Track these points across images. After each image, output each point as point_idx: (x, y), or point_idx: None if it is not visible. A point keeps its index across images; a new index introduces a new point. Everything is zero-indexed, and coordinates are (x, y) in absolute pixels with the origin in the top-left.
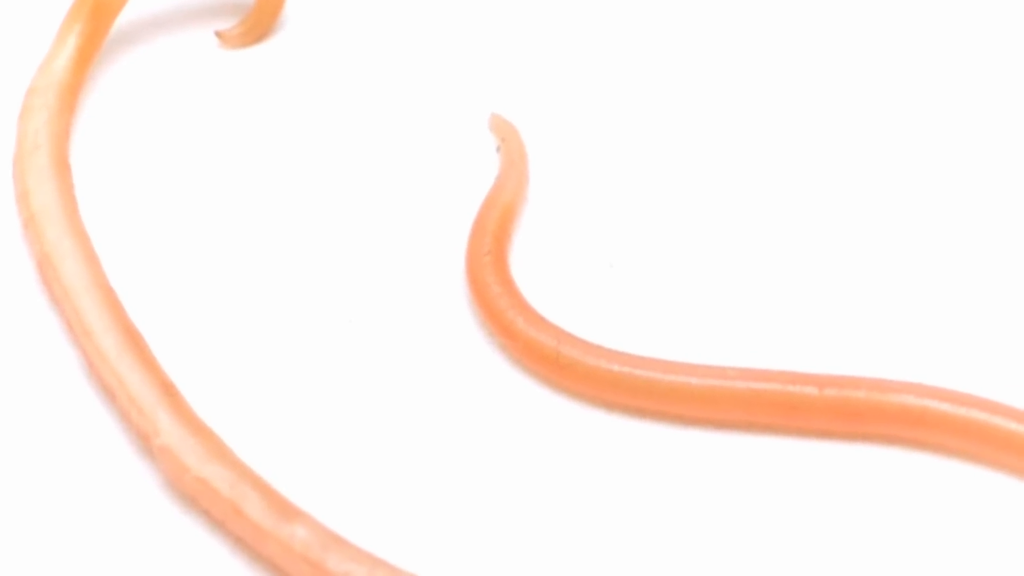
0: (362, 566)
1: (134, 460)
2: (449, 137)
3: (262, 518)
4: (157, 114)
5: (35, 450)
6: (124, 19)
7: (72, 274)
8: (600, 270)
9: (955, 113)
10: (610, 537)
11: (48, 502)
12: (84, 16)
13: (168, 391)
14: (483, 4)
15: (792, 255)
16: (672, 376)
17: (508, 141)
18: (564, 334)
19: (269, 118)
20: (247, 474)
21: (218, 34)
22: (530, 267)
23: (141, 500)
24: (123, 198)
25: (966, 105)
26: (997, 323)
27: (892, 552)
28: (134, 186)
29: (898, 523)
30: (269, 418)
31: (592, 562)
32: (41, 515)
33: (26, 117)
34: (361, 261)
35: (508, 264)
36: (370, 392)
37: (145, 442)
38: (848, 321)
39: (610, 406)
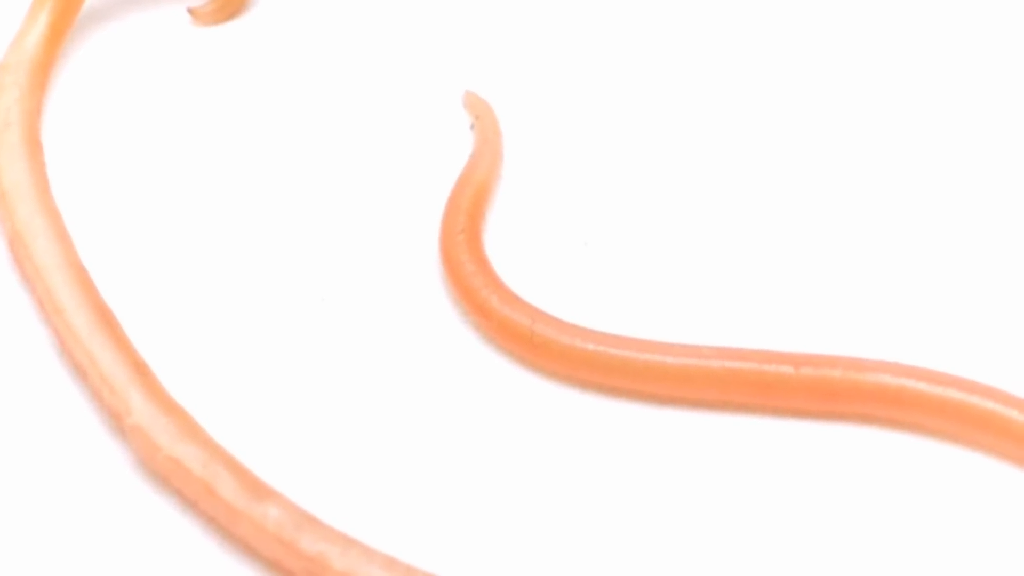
0: (335, 546)
1: (106, 439)
2: (423, 115)
3: (235, 498)
4: (129, 91)
5: (6, 429)
6: None
7: (44, 252)
8: (574, 248)
9: (927, 94)
10: (584, 516)
11: (19, 481)
12: None
13: (140, 370)
14: None
15: (768, 234)
16: (647, 355)
17: (482, 119)
18: (538, 313)
19: (241, 96)
20: (219, 453)
21: (190, 11)
22: (504, 245)
23: (113, 479)
24: (95, 176)
25: (935, 87)
26: (973, 302)
27: (868, 531)
28: (106, 164)
29: (874, 502)
30: (242, 397)
31: (566, 540)
32: (11, 494)
33: None
34: (334, 240)
35: (482, 242)
36: (343, 371)
37: (117, 421)
38: (824, 300)
39: (585, 385)
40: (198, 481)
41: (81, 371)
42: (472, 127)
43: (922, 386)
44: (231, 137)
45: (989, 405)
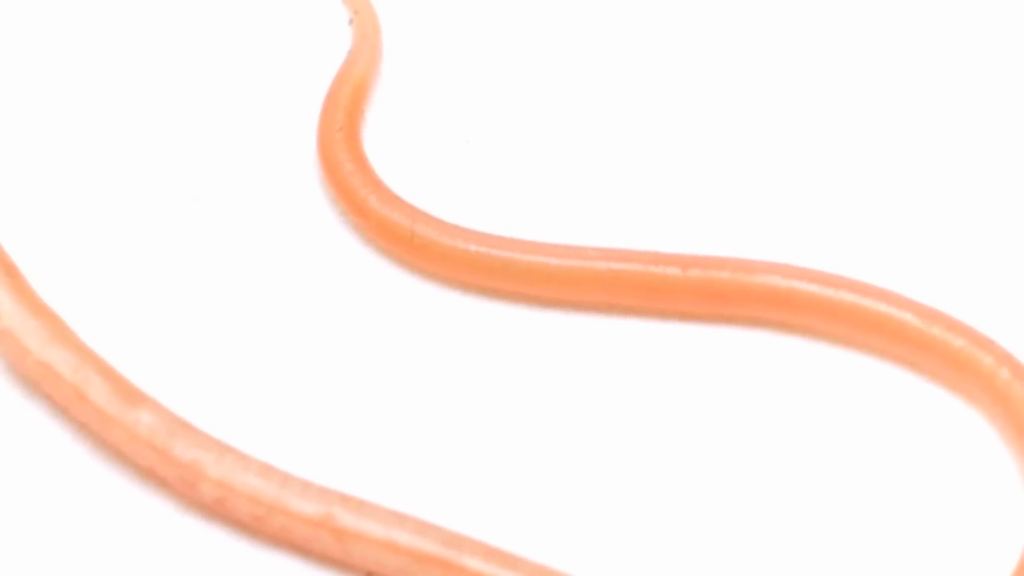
0: (209, 452)
1: None
2: (300, 9)
3: (106, 403)
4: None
5: None
6: None
7: None
8: (456, 147)
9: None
10: (465, 420)
11: None
12: None
13: (9, 272)
14: None
15: (655, 132)
16: (530, 256)
17: (361, 14)
18: (419, 213)
19: None
20: (91, 358)
21: None
22: (384, 144)
23: None
24: None
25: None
26: (864, 203)
27: (757, 435)
28: None
29: (764, 406)
30: (114, 301)
31: (447, 444)
32: None
33: None
34: (209, 138)
35: (361, 141)
36: (219, 273)
37: None
38: (713, 200)
39: (466, 287)
40: (69, 386)
41: None
42: (350, 22)
43: (813, 288)
44: (103, 34)
45: (882, 308)
